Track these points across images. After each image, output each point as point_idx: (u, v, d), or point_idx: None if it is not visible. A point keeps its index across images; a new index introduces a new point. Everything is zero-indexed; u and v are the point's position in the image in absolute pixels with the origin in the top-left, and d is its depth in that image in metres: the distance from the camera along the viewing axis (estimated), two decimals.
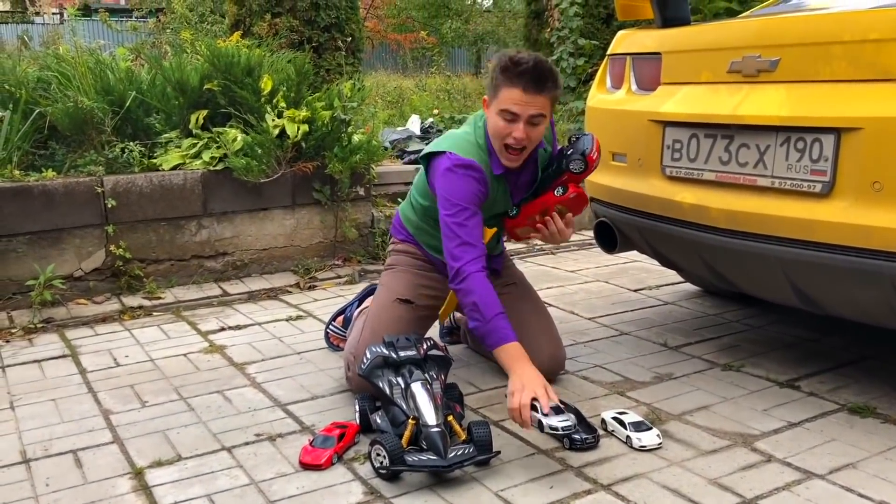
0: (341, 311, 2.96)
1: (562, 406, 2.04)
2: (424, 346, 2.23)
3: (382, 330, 2.43)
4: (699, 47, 2.54)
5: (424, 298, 2.60)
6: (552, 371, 2.57)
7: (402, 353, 2.18)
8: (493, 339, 2.21)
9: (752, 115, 2.27)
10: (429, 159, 2.44)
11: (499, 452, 2.07)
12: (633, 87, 2.80)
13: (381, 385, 2.16)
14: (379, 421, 2.15)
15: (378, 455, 1.98)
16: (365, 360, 2.21)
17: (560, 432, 2.00)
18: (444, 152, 2.37)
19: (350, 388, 2.52)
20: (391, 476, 1.98)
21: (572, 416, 2.02)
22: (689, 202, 2.47)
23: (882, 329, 2.64)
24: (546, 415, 2.01)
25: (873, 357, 2.79)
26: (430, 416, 2.03)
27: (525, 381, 2.09)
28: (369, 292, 2.87)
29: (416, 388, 2.10)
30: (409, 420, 2.03)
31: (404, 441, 1.99)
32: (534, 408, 2.02)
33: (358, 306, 2.86)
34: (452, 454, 1.95)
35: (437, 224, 2.40)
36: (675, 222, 2.54)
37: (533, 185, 2.53)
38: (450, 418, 2.08)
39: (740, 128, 2.32)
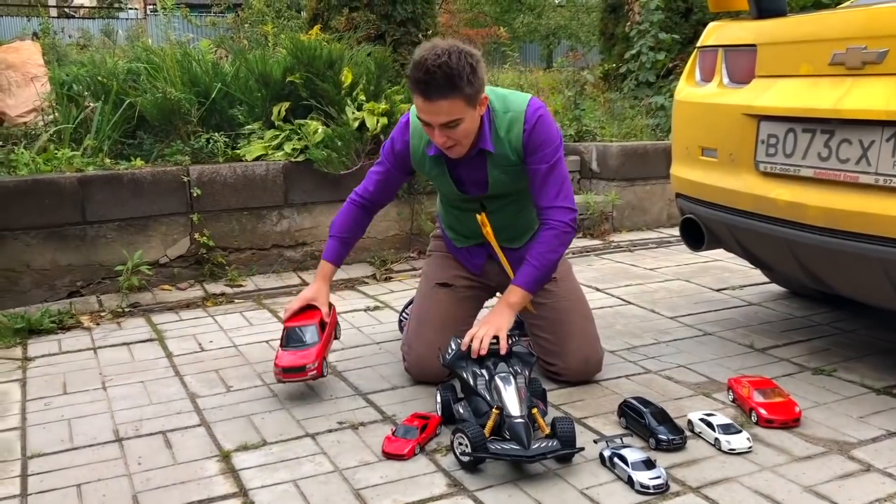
0: (412, 301, 2.98)
1: (653, 461, 1.92)
2: (509, 342, 2.21)
3: (426, 316, 2.52)
4: (798, 39, 2.45)
5: (461, 280, 2.61)
6: (586, 374, 2.52)
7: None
8: (325, 251, 2.57)
9: (856, 109, 2.17)
10: None
11: (583, 448, 2.03)
12: (725, 80, 2.71)
13: (464, 375, 2.16)
14: (462, 411, 2.14)
15: (461, 443, 1.98)
16: (449, 351, 2.21)
17: (651, 491, 1.85)
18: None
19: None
20: (473, 463, 1.97)
21: (664, 471, 1.90)
22: (785, 199, 2.38)
23: None
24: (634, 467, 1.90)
25: None
26: (514, 407, 2.02)
27: (302, 293, 2.55)
28: None
29: (501, 379, 2.09)
30: (493, 410, 2.02)
31: (487, 430, 1.98)
32: (622, 458, 1.92)
33: None
34: (535, 446, 1.94)
35: (443, 201, 2.62)
36: (768, 220, 2.46)
37: (486, 185, 2.38)
38: (534, 411, 2.06)
39: (842, 122, 2.22)
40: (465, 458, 1.97)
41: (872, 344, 2.89)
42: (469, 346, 2.18)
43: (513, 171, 2.36)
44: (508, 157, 2.33)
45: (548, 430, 2.02)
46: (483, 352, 2.15)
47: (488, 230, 2.44)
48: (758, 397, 2.26)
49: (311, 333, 2.42)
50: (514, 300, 2.31)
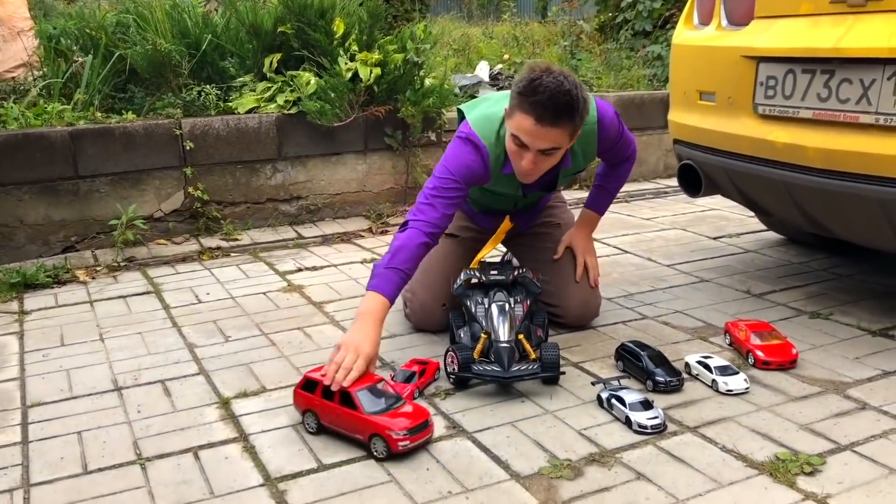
0: None
1: (650, 402, 1.94)
2: (515, 273, 2.33)
3: (432, 265, 2.49)
4: None
5: (468, 232, 2.61)
6: (584, 317, 2.55)
7: (491, 277, 2.31)
8: (377, 282, 2.08)
9: (857, 48, 2.14)
10: (461, 114, 2.38)
11: (563, 372, 2.15)
12: (724, 22, 2.67)
13: (468, 303, 2.28)
14: (462, 336, 2.29)
15: (452, 362, 2.13)
16: (459, 281, 2.32)
17: (649, 431, 1.88)
18: (466, 121, 2.27)
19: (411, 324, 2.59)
20: (459, 382, 2.13)
21: (661, 412, 1.93)
22: (784, 141, 2.36)
23: None
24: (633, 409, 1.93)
25: None
26: (502, 332, 2.14)
27: (358, 343, 1.94)
28: None
29: (495, 307, 2.21)
30: (483, 334, 2.16)
31: (476, 353, 2.13)
32: (620, 400, 1.95)
33: None
34: (516, 368, 2.08)
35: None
36: (766, 163, 2.44)
37: (550, 185, 2.43)
38: (520, 336, 2.16)
39: (843, 61, 2.19)
40: (452, 377, 2.13)
41: (869, 288, 2.90)
42: (476, 277, 2.30)
43: (576, 171, 2.44)
44: (580, 165, 2.39)
45: (535, 355, 2.12)
46: (595, 283, 2.47)
47: (502, 232, 2.49)
48: (755, 340, 2.27)
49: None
50: (594, 226, 2.64)
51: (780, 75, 2.38)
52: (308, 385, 1.92)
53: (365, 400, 1.83)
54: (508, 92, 2.32)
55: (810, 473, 1.70)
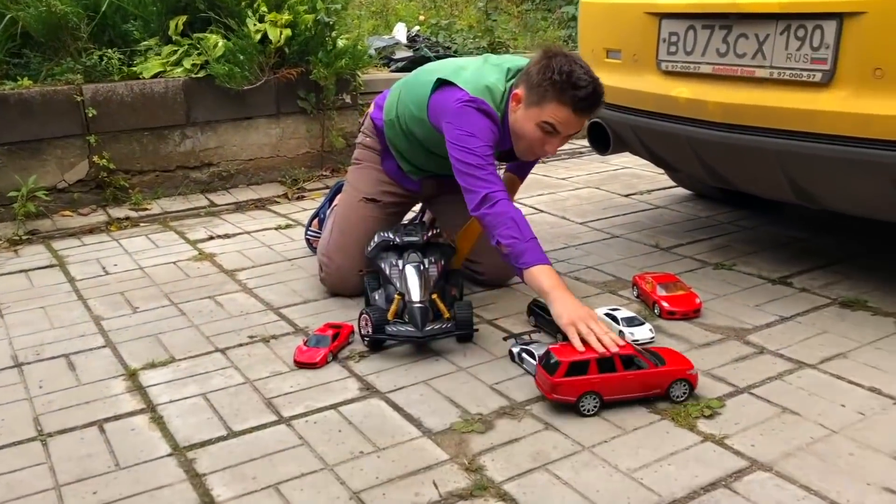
0: (316, 215, 2.95)
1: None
2: (429, 234, 2.33)
3: (350, 229, 2.49)
4: None
5: (389, 196, 2.58)
6: (505, 275, 2.59)
7: (405, 238, 2.30)
8: (530, 256, 2.08)
9: (752, 3, 2.19)
10: (439, 85, 2.27)
11: (477, 330, 2.18)
12: None
13: (382, 266, 2.29)
14: (377, 298, 2.28)
15: (365, 325, 2.12)
16: (372, 244, 2.33)
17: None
18: (461, 88, 2.20)
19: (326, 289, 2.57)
20: (373, 343, 2.13)
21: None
22: (685, 97, 2.41)
23: (874, 224, 2.64)
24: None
25: (864, 254, 2.80)
26: (415, 293, 2.15)
27: (585, 313, 1.94)
28: (339, 189, 2.85)
29: (409, 268, 2.21)
30: (396, 295, 2.16)
31: (390, 314, 2.13)
32: (530, 353, 1.99)
33: (330, 205, 2.85)
34: (429, 327, 2.08)
35: (416, 139, 2.40)
36: (670, 119, 2.49)
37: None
38: (434, 296, 2.17)
39: (739, 17, 2.25)
40: (367, 339, 2.13)
41: (770, 239, 3.01)
42: (389, 239, 2.31)
43: None
44: None
45: (449, 314, 2.14)
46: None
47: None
48: (661, 291, 2.33)
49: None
50: (516, 191, 2.73)
51: (682, 31, 2.43)
52: (575, 368, 1.78)
53: (648, 356, 1.84)
54: (481, 59, 2.34)
55: (710, 416, 1.77)
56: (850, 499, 1.47)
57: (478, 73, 2.27)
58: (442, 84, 2.26)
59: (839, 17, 2.02)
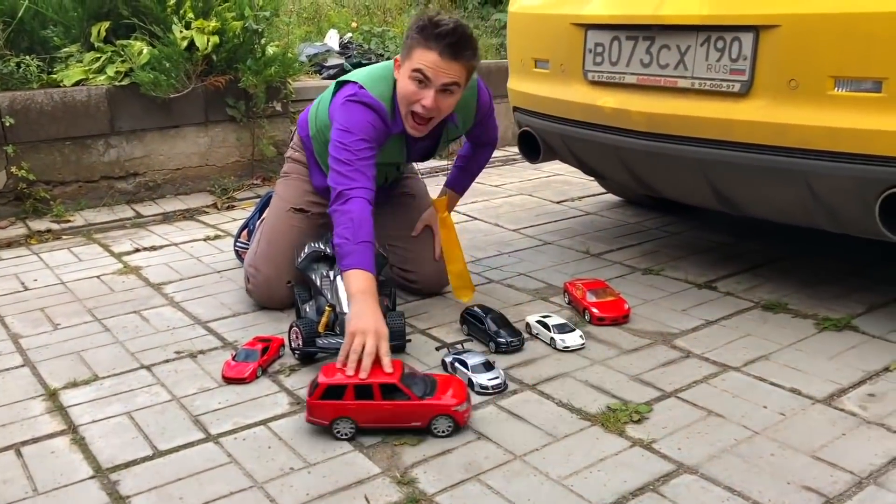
0: (245, 226, 2.91)
1: (491, 363, 1.99)
2: None
3: (278, 240, 2.47)
4: None
5: (317, 207, 2.56)
6: (439, 283, 2.59)
7: None
8: (356, 259, 2.01)
9: (673, 15, 2.25)
10: (339, 85, 2.31)
11: (409, 340, 2.17)
12: None
13: (313, 277, 2.25)
14: (307, 310, 2.24)
15: (296, 338, 2.09)
16: (302, 255, 2.29)
17: (490, 391, 1.92)
18: (354, 82, 2.24)
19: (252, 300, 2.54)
20: (304, 356, 2.09)
21: (502, 372, 1.97)
22: (611, 106, 2.46)
23: (793, 230, 2.73)
24: (474, 371, 1.96)
25: (785, 258, 2.89)
26: (346, 304, 2.07)
27: (365, 326, 1.84)
28: (268, 201, 2.81)
29: (340, 280, 2.15)
30: (327, 307, 2.12)
31: (321, 326, 2.08)
32: (463, 363, 1.99)
33: (259, 217, 2.81)
34: None
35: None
36: (596, 128, 2.54)
37: (429, 154, 2.48)
38: None
39: (662, 28, 2.30)
40: (297, 353, 2.09)
41: (697, 244, 3.09)
42: (320, 250, 2.29)
43: (454, 139, 2.50)
44: (459, 131, 2.45)
45: None
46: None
47: (446, 216, 2.50)
48: (590, 297, 2.37)
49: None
50: (454, 205, 2.71)
51: (607, 42, 2.47)
52: (330, 392, 1.73)
53: (412, 387, 1.75)
54: (385, 63, 2.34)
55: (638, 421, 1.80)
56: (772, 498, 1.51)
57: (378, 66, 2.33)
58: (340, 85, 2.29)
59: (755, 29, 2.08)
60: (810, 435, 1.73)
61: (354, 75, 2.30)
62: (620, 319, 2.33)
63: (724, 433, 1.74)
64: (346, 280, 2.01)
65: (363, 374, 1.76)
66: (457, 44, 2.09)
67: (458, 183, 2.69)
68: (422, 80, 2.11)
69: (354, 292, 1.96)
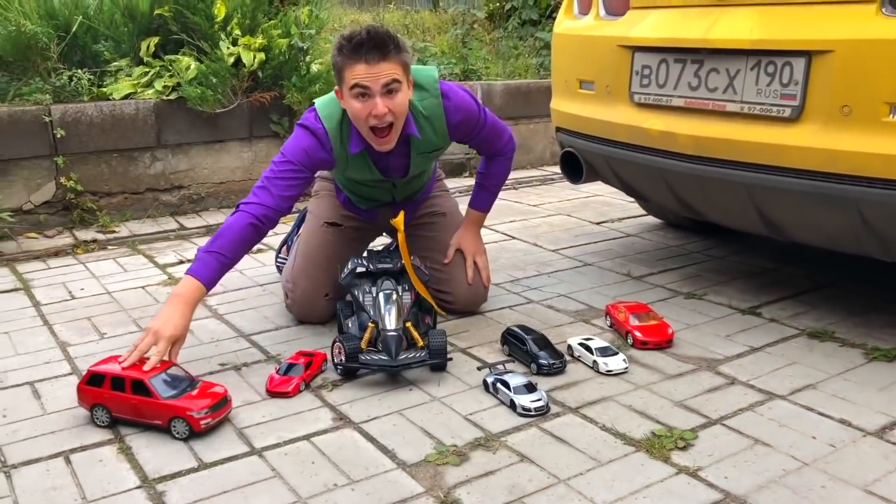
0: (285, 241, 2.95)
1: (534, 385, 1.98)
2: (403, 261, 2.32)
3: (314, 254, 2.50)
4: None
5: (351, 221, 2.60)
6: (474, 302, 2.60)
7: (379, 265, 2.30)
8: (194, 266, 2.11)
9: (723, 39, 2.24)
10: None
11: (451, 359, 2.17)
12: (602, 12, 2.74)
13: (356, 293, 2.26)
14: (349, 325, 2.25)
15: (339, 353, 2.11)
16: (345, 270, 2.30)
17: (532, 413, 1.91)
18: (313, 105, 2.29)
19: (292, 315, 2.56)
20: (346, 372, 2.12)
21: (544, 394, 1.97)
22: (658, 129, 2.45)
23: (840, 256, 2.69)
24: (517, 392, 1.95)
25: (831, 285, 2.85)
26: (389, 321, 2.12)
27: (159, 327, 1.96)
28: (305, 217, 2.85)
29: (382, 296, 2.19)
30: (370, 324, 2.14)
31: (363, 343, 2.11)
32: (505, 384, 1.98)
33: (297, 232, 2.84)
34: (403, 356, 2.08)
35: (348, 176, 2.45)
36: (642, 150, 2.53)
37: (407, 170, 2.42)
38: (408, 324, 2.16)
39: (711, 52, 2.29)
40: (340, 368, 2.11)
41: (740, 268, 3.05)
42: (363, 266, 2.30)
43: (435, 154, 2.44)
44: (433, 142, 2.35)
45: (422, 343, 2.13)
46: (487, 283, 2.55)
47: (402, 236, 2.33)
48: (633, 321, 2.35)
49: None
50: (480, 224, 2.67)
51: (654, 65, 2.47)
52: (94, 379, 1.87)
53: (159, 386, 1.84)
54: None
55: (683, 448, 1.78)
56: None
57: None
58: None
59: (808, 55, 2.07)
60: (862, 468, 1.69)
61: (319, 98, 2.36)
62: (664, 344, 2.30)
63: (772, 463, 1.71)
64: (178, 283, 2.11)
65: (125, 366, 1.88)
66: (376, 46, 2.08)
67: (480, 201, 2.66)
68: (362, 92, 2.11)
69: (172, 294, 2.07)
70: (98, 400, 1.86)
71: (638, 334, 2.31)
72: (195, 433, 1.81)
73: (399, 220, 2.29)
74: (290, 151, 2.24)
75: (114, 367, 1.89)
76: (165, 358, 1.96)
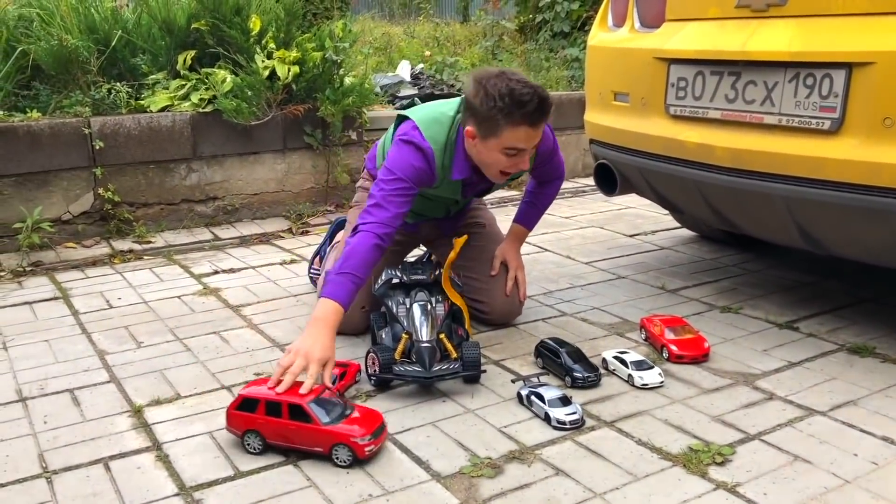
0: (317, 253, 2.96)
1: (568, 398, 1.97)
2: (436, 272, 2.34)
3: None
4: None
5: None
6: (510, 313, 2.60)
7: (413, 277, 2.30)
8: (330, 289, 2.05)
9: (761, 51, 2.22)
10: (401, 119, 2.37)
11: (484, 371, 2.16)
12: (637, 24, 2.74)
13: (390, 304, 2.27)
14: (383, 336, 2.25)
15: (372, 364, 2.11)
16: (380, 281, 2.31)
17: (567, 427, 1.90)
18: (411, 120, 2.29)
19: None
20: (380, 383, 2.12)
21: (579, 407, 1.96)
22: (694, 141, 2.43)
23: (880, 270, 2.64)
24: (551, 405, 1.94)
25: (871, 299, 2.80)
26: (423, 332, 2.13)
27: (308, 349, 1.90)
28: (339, 227, 2.88)
29: (416, 307, 2.19)
30: (404, 335, 2.14)
31: (397, 354, 2.11)
32: (539, 397, 1.97)
33: (330, 242, 2.85)
34: (437, 368, 2.08)
35: None
36: (678, 162, 2.51)
37: (485, 193, 2.55)
38: (441, 336, 2.15)
39: (748, 64, 2.27)
40: (374, 379, 2.12)
41: (776, 282, 3.01)
42: (397, 277, 2.31)
43: (516, 178, 2.55)
44: (519, 171, 2.39)
45: (456, 354, 2.13)
46: (523, 299, 2.57)
47: (454, 255, 2.35)
48: (669, 334, 2.33)
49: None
50: (523, 240, 2.70)
51: (691, 77, 2.45)
52: (245, 404, 1.79)
53: (318, 411, 1.76)
54: (449, 101, 2.36)
55: (721, 463, 1.75)
56: None
57: (437, 105, 2.36)
58: (401, 120, 2.35)
59: (848, 66, 2.04)
60: None
61: (413, 112, 2.35)
62: (700, 358, 2.28)
63: (813, 480, 1.69)
64: (317, 305, 2.05)
65: (280, 390, 1.80)
66: (540, 110, 2.13)
67: (527, 218, 2.69)
68: (516, 154, 2.18)
69: (313, 318, 2.01)
70: (251, 426, 1.78)
71: (674, 348, 2.28)
72: (358, 460, 1.74)
73: (460, 241, 2.33)
74: (400, 168, 2.21)
75: (265, 391, 1.80)
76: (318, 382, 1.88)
